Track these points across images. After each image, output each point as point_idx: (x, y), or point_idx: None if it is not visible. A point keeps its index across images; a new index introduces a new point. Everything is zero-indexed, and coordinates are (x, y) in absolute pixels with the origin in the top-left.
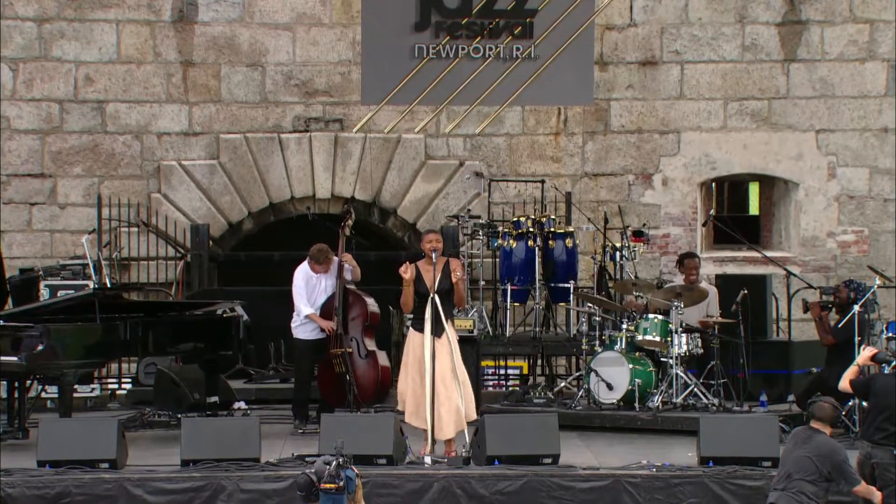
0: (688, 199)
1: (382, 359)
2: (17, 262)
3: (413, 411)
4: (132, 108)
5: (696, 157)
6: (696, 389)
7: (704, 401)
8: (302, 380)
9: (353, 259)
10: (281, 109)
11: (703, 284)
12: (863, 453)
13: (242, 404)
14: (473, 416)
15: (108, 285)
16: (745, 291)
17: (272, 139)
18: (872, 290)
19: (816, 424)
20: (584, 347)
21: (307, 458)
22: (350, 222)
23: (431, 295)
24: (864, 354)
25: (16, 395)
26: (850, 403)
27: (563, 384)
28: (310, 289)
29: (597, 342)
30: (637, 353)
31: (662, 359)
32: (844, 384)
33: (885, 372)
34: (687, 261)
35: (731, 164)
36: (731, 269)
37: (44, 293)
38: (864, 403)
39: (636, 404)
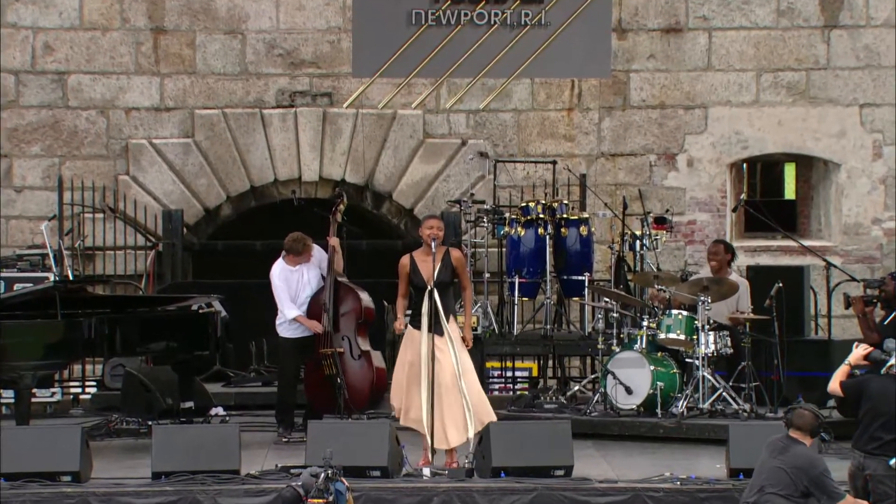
0: (716, 182)
1: (377, 359)
2: None
3: (404, 412)
4: (96, 81)
5: (726, 135)
6: (724, 394)
7: (734, 406)
8: (287, 383)
9: (339, 246)
10: (263, 82)
11: (734, 277)
12: (854, 464)
13: (220, 410)
14: (488, 419)
15: (71, 278)
16: (780, 284)
17: (253, 115)
18: None
19: (795, 434)
20: (600, 347)
21: (293, 470)
22: (342, 207)
23: (429, 288)
24: (857, 352)
25: None
26: None
27: (576, 388)
28: (291, 286)
29: (614, 341)
30: (659, 354)
31: (687, 359)
32: (833, 386)
33: (882, 373)
34: (711, 245)
35: (764, 142)
36: (765, 260)
37: None
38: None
39: (658, 410)
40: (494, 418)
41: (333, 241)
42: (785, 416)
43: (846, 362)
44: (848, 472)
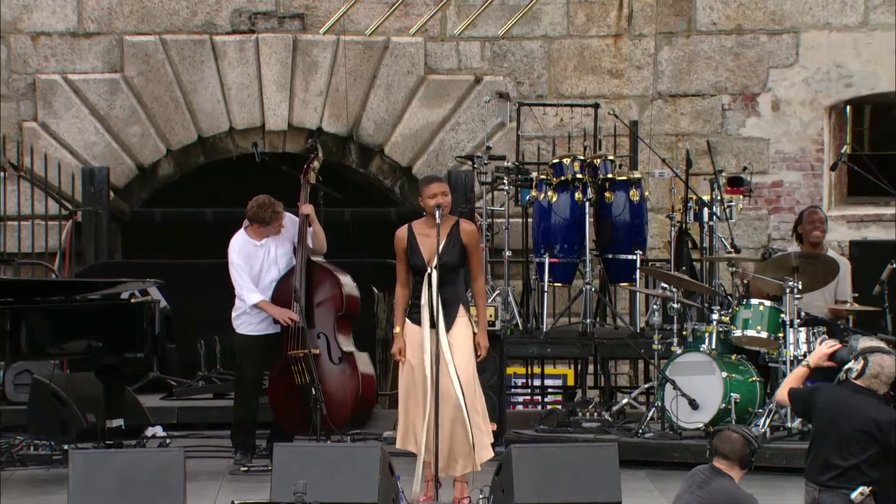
0: (810, 131)
1: (363, 364)
2: None
3: (405, 434)
4: None
5: (823, 70)
6: None
7: None
8: (246, 394)
9: (315, 216)
10: (214, 0)
11: (832, 255)
12: (808, 500)
13: (159, 430)
14: (489, 453)
15: None
16: (895, 265)
17: (201, 43)
18: None
19: (720, 463)
20: (655, 347)
21: None
22: (316, 165)
23: (429, 270)
24: (820, 350)
25: None
26: None
27: (625, 401)
28: (253, 265)
29: (675, 340)
30: (734, 357)
31: (771, 364)
32: (781, 394)
33: (841, 379)
34: (807, 213)
35: (874, 78)
36: (874, 234)
37: None
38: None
39: None
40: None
41: (306, 208)
42: (709, 441)
43: (805, 363)
44: None
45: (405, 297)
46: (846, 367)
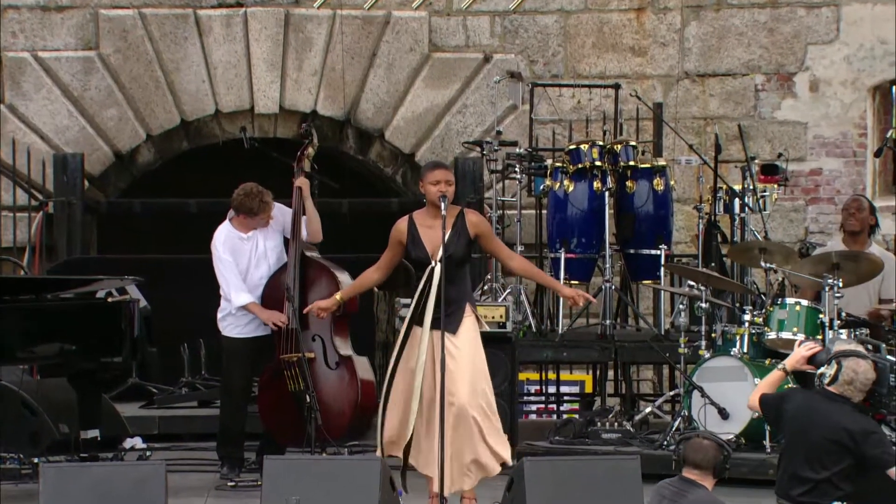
0: (852, 114)
1: (362, 369)
2: None
3: (395, 440)
4: None
5: (867, 46)
6: None
7: None
8: (233, 403)
9: (309, 193)
10: None
11: (876, 250)
12: None
13: (138, 441)
14: (507, 459)
15: None
16: None
17: (184, 18)
18: None
19: (691, 473)
20: (682, 351)
21: None
22: (311, 151)
23: (433, 264)
24: (798, 353)
25: None
26: None
27: (648, 410)
28: (240, 260)
29: (703, 343)
30: (768, 361)
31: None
32: (753, 400)
33: (816, 385)
34: (847, 201)
35: None
36: None
37: None
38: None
39: (766, 442)
40: (508, 461)
41: (300, 181)
42: (676, 450)
43: (780, 366)
44: None
45: (371, 280)
46: (819, 372)
